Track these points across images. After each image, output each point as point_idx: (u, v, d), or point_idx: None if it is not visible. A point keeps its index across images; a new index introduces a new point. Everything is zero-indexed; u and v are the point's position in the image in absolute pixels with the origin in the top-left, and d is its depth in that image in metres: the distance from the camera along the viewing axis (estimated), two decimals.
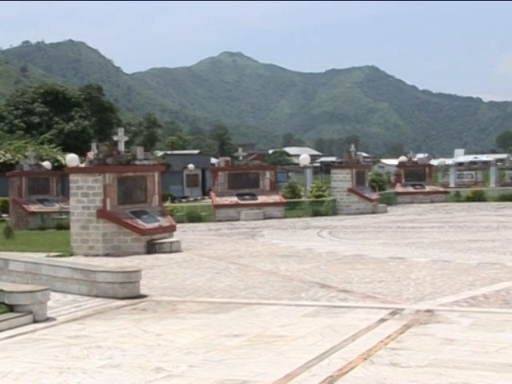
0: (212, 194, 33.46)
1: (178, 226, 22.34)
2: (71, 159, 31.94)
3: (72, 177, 19.13)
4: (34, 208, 31.74)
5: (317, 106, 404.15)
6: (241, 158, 34.51)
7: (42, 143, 53.49)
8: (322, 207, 33.92)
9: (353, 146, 37.70)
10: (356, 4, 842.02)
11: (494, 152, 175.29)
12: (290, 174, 78.75)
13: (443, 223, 26.28)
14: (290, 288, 12.18)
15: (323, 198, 35.03)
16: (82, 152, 43.58)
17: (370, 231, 24.08)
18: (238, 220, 30.58)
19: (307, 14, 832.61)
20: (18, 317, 9.52)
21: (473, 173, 68.35)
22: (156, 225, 19.42)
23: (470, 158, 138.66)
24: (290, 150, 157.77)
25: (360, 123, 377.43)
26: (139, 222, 18.97)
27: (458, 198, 43.65)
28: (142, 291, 11.91)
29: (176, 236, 20.19)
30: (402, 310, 9.89)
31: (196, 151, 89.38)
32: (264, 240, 21.67)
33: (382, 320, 9.19)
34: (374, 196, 35.90)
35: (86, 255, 18.23)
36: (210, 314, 9.98)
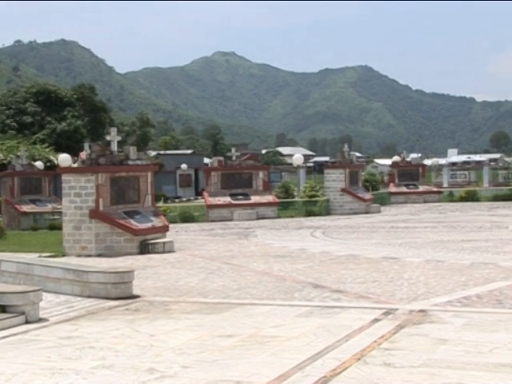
0: (205, 194, 33.43)
1: (171, 226, 22.31)
2: (64, 159, 31.91)
3: (64, 177, 19.07)
4: (26, 208, 31.67)
5: (310, 106, 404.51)
6: (234, 157, 34.48)
7: (34, 143, 53.35)
8: (315, 207, 33.92)
9: (346, 145, 37.73)
10: (349, 4, 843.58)
11: (487, 152, 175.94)
12: (283, 173, 78.80)
13: (437, 223, 26.32)
14: (283, 288, 12.16)
15: (316, 198, 35.04)
16: (74, 152, 43.53)
17: (364, 231, 24.09)
18: (231, 220, 30.56)
19: (300, 14, 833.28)
20: (10, 317, 9.48)
21: (466, 173, 68.52)
22: (149, 225, 19.39)
23: (464, 157, 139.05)
24: (284, 150, 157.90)
25: (353, 123, 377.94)
26: (132, 222, 18.93)
27: (451, 197, 43.71)
28: (135, 292, 11.88)
29: (169, 236, 20.16)
30: (396, 310, 9.88)
31: (189, 151, 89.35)
32: (257, 240, 21.66)
33: (376, 320, 9.19)
34: (368, 196, 35.92)
35: (79, 256, 18.18)
36: (203, 315, 9.96)
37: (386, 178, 52.55)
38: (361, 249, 18.21)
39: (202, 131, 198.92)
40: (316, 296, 11.33)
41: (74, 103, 67.83)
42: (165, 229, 20.00)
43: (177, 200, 53.85)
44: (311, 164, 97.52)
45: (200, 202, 41.07)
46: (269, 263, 15.71)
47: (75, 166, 23.43)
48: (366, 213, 33.66)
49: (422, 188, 43.47)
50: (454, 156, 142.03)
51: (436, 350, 7.52)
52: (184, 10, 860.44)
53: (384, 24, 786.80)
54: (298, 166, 42.10)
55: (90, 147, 20.13)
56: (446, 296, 10.92)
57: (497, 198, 41.37)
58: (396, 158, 47.91)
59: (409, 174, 43.86)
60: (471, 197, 42.42)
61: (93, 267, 12.64)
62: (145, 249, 18.74)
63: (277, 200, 33.27)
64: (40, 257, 16.84)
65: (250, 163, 33.88)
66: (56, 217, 28.52)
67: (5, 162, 41.55)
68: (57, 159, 37.73)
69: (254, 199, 32.16)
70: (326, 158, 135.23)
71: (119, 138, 20.45)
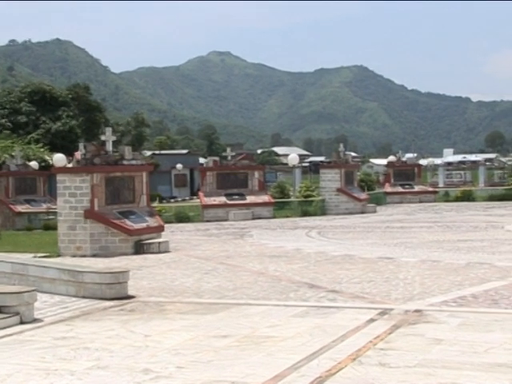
0: (200, 194, 33.39)
1: (167, 226, 22.29)
2: (58, 159, 31.81)
3: (59, 177, 19.03)
4: (20, 208, 31.60)
5: (305, 106, 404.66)
6: (229, 157, 34.44)
7: (28, 143, 53.14)
8: (310, 207, 33.92)
9: (341, 145, 37.74)
10: (345, 4, 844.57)
11: (482, 152, 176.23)
12: (278, 173, 78.78)
13: (432, 223, 26.33)
14: (278, 288, 12.15)
15: (312, 198, 35.03)
16: (69, 152, 43.35)
17: (359, 231, 24.10)
18: (226, 220, 30.53)
19: (296, 14, 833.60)
20: (5, 318, 9.44)
21: (462, 172, 68.71)
22: (144, 225, 19.36)
23: (459, 157, 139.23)
24: (279, 150, 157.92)
25: (349, 123, 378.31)
26: (127, 222, 18.89)
27: (446, 197, 43.76)
28: (130, 292, 11.85)
29: (164, 236, 20.14)
30: (391, 310, 9.88)
31: (184, 151, 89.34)
32: (253, 240, 21.64)
33: (371, 320, 9.18)
34: (363, 196, 35.93)
35: (74, 256, 18.15)
36: (198, 315, 9.94)
37: (381, 178, 52.59)
38: (356, 249, 18.21)
39: (197, 131, 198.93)
40: (311, 296, 11.32)
41: (68, 103, 67.69)
42: (160, 229, 19.97)
43: (172, 200, 53.84)
44: (307, 164, 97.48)
45: (195, 201, 41.03)
46: (264, 263, 15.69)
47: (70, 165, 23.35)
48: (362, 213, 33.67)
49: (417, 188, 43.50)
50: (449, 156, 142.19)
51: (431, 350, 7.52)
52: (179, 10, 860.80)
53: (379, 24, 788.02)
54: (294, 166, 42.08)
55: (85, 147, 20.08)
56: (441, 296, 10.92)
57: (492, 198, 41.43)
58: (391, 158, 47.88)
59: (404, 174, 43.88)
60: (467, 197, 42.47)
61: (88, 267, 12.61)
62: (140, 249, 18.71)
63: (272, 200, 33.26)
64: (35, 257, 16.80)
65: (245, 163, 33.86)
66: (51, 217, 28.46)
67: None
68: (51, 159, 37.60)
69: (250, 199, 32.14)
70: (322, 158, 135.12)
71: (114, 138, 20.41)
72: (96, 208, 18.56)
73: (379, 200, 40.38)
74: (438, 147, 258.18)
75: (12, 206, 31.49)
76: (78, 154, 20.42)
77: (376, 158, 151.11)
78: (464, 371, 6.68)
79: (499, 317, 9.26)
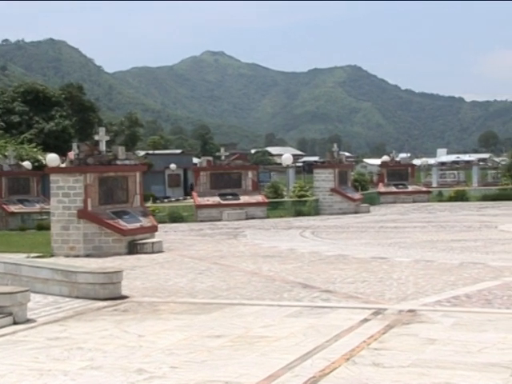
0: (194, 194, 33.35)
1: (160, 226, 22.26)
2: (52, 159, 31.74)
3: (52, 177, 18.98)
4: (14, 208, 31.49)
5: (299, 106, 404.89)
6: (223, 157, 34.42)
7: (21, 143, 53.03)
8: (304, 207, 33.92)
9: (335, 145, 37.76)
10: (338, 4, 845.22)
11: (476, 152, 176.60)
12: (272, 173, 78.74)
13: (426, 223, 26.36)
14: (272, 288, 12.15)
15: (306, 198, 35.04)
16: (62, 152, 43.26)
17: (353, 231, 24.11)
18: (220, 220, 30.51)
19: (289, 14, 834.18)
20: None
21: (455, 172, 68.81)
22: (138, 225, 19.32)
23: (453, 157, 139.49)
24: (273, 150, 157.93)
25: (342, 123, 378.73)
26: (121, 222, 18.86)
27: (440, 197, 43.80)
28: (124, 292, 11.83)
29: (158, 236, 20.11)
30: (385, 310, 9.88)
31: (178, 151, 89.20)
32: (246, 240, 21.63)
33: (365, 320, 9.18)
34: (357, 196, 35.94)
35: (67, 256, 18.11)
36: (192, 315, 9.93)
37: (375, 178, 52.59)
38: (350, 249, 18.22)
39: (190, 131, 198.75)
40: (305, 296, 11.32)
41: (62, 103, 67.60)
42: (153, 229, 19.95)
43: (166, 200, 53.77)
44: (300, 164, 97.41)
45: (189, 201, 40.99)
46: (258, 263, 15.69)
47: (63, 165, 23.30)
48: (356, 213, 33.69)
49: (411, 188, 43.53)
50: (443, 156, 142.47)
51: (425, 350, 7.53)
52: (173, 10, 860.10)
53: (373, 24, 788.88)
54: (288, 166, 42.08)
55: (79, 147, 20.02)
56: (435, 296, 10.93)
57: (486, 198, 41.48)
58: (385, 158, 47.89)
59: (398, 174, 43.90)
60: (460, 196, 42.52)
61: (81, 268, 12.59)
62: (133, 249, 18.68)
63: (266, 200, 33.25)
64: (28, 257, 16.76)
65: (239, 163, 33.84)
66: (44, 217, 28.38)
67: None
68: (45, 159, 37.53)
69: (243, 199, 32.13)
70: (316, 158, 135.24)
71: (108, 138, 20.36)
72: (89, 208, 18.53)
73: (373, 200, 40.41)
74: (432, 147, 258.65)
75: (5, 206, 31.38)
76: (71, 154, 20.36)
77: (370, 157, 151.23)
78: (457, 371, 6.68)
79: (493, 317, 9.28)
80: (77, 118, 68.44)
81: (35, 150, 49.58)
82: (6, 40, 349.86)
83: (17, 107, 64.63)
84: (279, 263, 15.58)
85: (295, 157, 74.36)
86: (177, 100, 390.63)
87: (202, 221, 30.55)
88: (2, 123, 62.74)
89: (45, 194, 31.63)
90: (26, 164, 36.74)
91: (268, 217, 31.79)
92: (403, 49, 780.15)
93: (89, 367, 7.21)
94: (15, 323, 9.51)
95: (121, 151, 20.04)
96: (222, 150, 35.99)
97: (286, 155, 42.12)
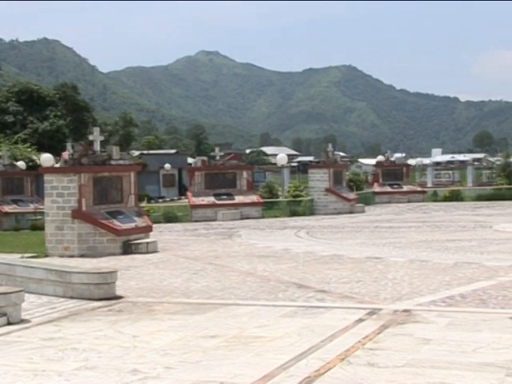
0: (189, 194, 33.31)
1: (155, 226, 22.24)
2: (46, 159, 31.65)
3: (47, 177, 18.95)
4: (8, 208, 31.40)
5: (294, 106, 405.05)
6: (218, 157, 34.38)
7: (16, 143, 52.91)
8: (299, 207, 33.90)
9: (330, 145, 37.74)
10: (333, 3, 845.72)
11: (470, 152, 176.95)
12: (267, 173, 78.68)
13: (421, 223, 26.38)
14: (267, 288, 12.14)
15: (301, 198, 35.00)
16: (56, 152, 43.16)
17: (348, 231, 24.11)
18: (214, 220, 30.49)
19: (284, 13, 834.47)
20: None
21: (450, 172, 68.86)
22: (132, 225, 19.30)
23: (448, 157, 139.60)
24: (268, 150, 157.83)
25: (337, 123, 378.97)
26: (115, 222, 18.83)
27: (435, 197, 43.81)
28: (118, 292, 11.81)
29: (152, 236, 20.08)
30: (380, 310, 9.88)
31: (172, 151, 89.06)
32: (241, 240, 21.62)
33: (360, 320, 9.18)
34: (352, 196, 35.95)
35: (61, 256, 18.07)
36: (186, 315, 9.92)
37: (370, 178, 52.62)
38: (345, 249, 18.22)
39: (185, 131, 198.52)
40: (300, 296, 11.31)
41: (56, 102, 67.44)
42: (148, 229, 19.92)
43: (160, 200, 53.70)
44: (295, 164, 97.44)
45: (184, 201, 40.95)
46: (253, 263, 15.68)
47: (57, 165, 23.26)
48: (350, 213, 33.69)
49: (406, 188, 43.53)
50: (438, 156, 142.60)
51: (420, 350, 7.53)
52: (168, 9, 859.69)
53: (368, 24, 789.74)
54: (282, 166, 42.04)
55: (73, 147, 19.97)
56: (430, 296, 10.94)
57: (480, 198, 41.52)
58: (380, 158, 47.89)
59: (393, 174, 43.90)
60: (455, 196, 42.54)
61: (75, 268, 12.56)
62: (128, 249, 18.65)
63: (261, 200, 33.23)
64: (22, 257, 16.71)
65: (233, 163, 33.82)
66: (38, 217, 28.31)
67: None
68: (39, 159, 37.43)
69: (238, 199, 32.11)
70: (310, 158, 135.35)
71: (102, 138, 20.34)
72: (84, 208, 18.49)
73: (368, 200, 40.42)
74: (427, 147, 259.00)
75: None
76: (65, 154, 20.30)
77: (365, 157, 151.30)
78: (452, 371, 6.68)
79: (487, 316, 9.28)
80: (71, 118, 68.30)
81: (29, 149, 49.48)
82: (0, 39, 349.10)
83: (11, 107, 64.45)
84: (274, 263, 15.57)
85: (290, 157, 74.39)
86: (171, 100, 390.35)
87: (196, 221, 30.53)
88: None
89: (39, 194, 31.53)
90: (20, 164, 36.63)
91: (263, 217, 31.78)
92: (398, 49, 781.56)
93: (83, 368, 7.19)
94: (9, 324, 9.48)
95: (115, 151, 20.01)
96: (217, 149, 35.94)
97: (280, 155, 42.10)
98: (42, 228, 21.25)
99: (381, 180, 43.85)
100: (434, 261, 15.19)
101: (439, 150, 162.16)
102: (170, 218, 30.81)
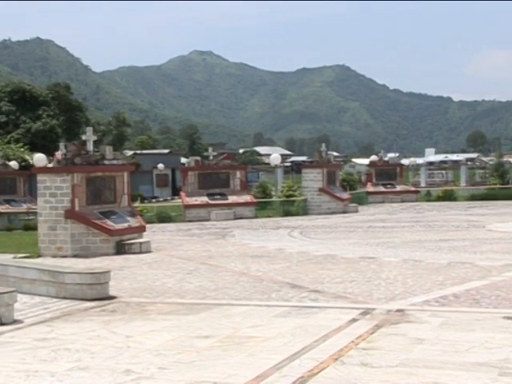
0: (182, 193, 33.28)
1: (148, 226, 22.21)
2: (39, 159, 31.60)
3: (39, 177, 18.90)
4: (0, 208, 31.31)
5: (287, 106, 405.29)
6: (211, 157, 34.36)
7: (8, 142, 52.81)
8: (292, 207, 33.90)
9: (324, 145, 37.78)
10: (327, 3, 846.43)
11: (464, 151, 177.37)
12: (260, 173, 78.67)
13: (414, 223, 26.42)
14: (260, 288, 12.13)
15: (294, 198, 35.00)
16: (49, 152, 43.08)
17: (341, 231, 24.12)
18: (208, 220, 30.47)
19: (277, 13, 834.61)
20: None
21: (443, 172, 68.98)
22: (125, 225, 19.26)
23: (441, 157, 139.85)
24: (261, 150, 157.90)
25: (331, 122, 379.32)
26: (108, 222, 18.79)
27: (428, 197, 43.87)
28: (112, 292, 11.79)
29: (146, 236, 20.05)
30: (373, 309, 9.89)
31: (166, 151, 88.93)
32: (235, 240, 21.61)
33: (353, 320, 9.18)
34: (345, 195, 35.98)
35: (54, 256, 18.03)
36: (180, 316, 9.90)
37: (363, 178, 52.65)
38: (338, 249, 18.23)
39: (178, 131, 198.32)
40: (294, 296, 11.31)
41: (49, 102, 67.29)
42: (141, 229, 19.89)
43: (154, 200, 53.63)
44: (289, 164, 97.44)
45: (177, 201, 40.91)
46: (246, 263, 15.67)
47: (50, 165, 23.20)
48: (344, 212, 33.71)
49: (399, 187, 43.59)
50: (431, 155, 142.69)
51: (413, 350, 7.53)
52: (161, 9, 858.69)
53: (362, 23, 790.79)
54: (276, 166, 42.03)
55: (66, 147, 19.92)
56: (423, 296, 10.95)
57: (474, 198, 41.62)
58: (373, 158, 47.93)
59: (386, 174, 43.94)
60: (448, 196, 42.60)
61: (68, 268, 12.53)
62: (121, 249, 18.62)
63: (254, 200, 33.23)
64: (15, 258, 16.66)
65: (227, 163, 33.80)
66: (31, 217, 28.22)
67: None
68: (32, 159, 37.35)
69: (232, 199, 32.09)
70: (304, 158, 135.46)
71: (95, 138, 20.29)
72: (77, 208, 18.45)
73: (361, 200, 40.46)
74: (420, 147, 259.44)
75: None
76: (58, 154, 20.25)
77: (358, 157, 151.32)
78: (446, 370, 6.69)
79: (480, 316, 9.30)
80: (64, 118, 68.15)
81: (22, 149, 49.36)
82: None
83: (3, 107, 64.30)
84: (267, 263, 15.57)
85: (283, 157, 74.42)
86: (164, 100, 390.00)
87: (190, 221, 30.50)
88: None
89: (32, 194, 31.47)
90: (13, 164, 36.53)
91: (256, 217, 31.77)
92: (391, 49, 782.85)
93: (76, 368, 7.17)
94: (2, 324, 9.45)
95: (108, 151, 19.97)
96: (210, 149, 35.92)
97: (274, 155, 42.11)
98: (34, 228, 21.18)
99: (374, 180, 43.89)
100: (428, 261, 15.21)
101: (432, 150, 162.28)
102: (163, 218, 30.76)
